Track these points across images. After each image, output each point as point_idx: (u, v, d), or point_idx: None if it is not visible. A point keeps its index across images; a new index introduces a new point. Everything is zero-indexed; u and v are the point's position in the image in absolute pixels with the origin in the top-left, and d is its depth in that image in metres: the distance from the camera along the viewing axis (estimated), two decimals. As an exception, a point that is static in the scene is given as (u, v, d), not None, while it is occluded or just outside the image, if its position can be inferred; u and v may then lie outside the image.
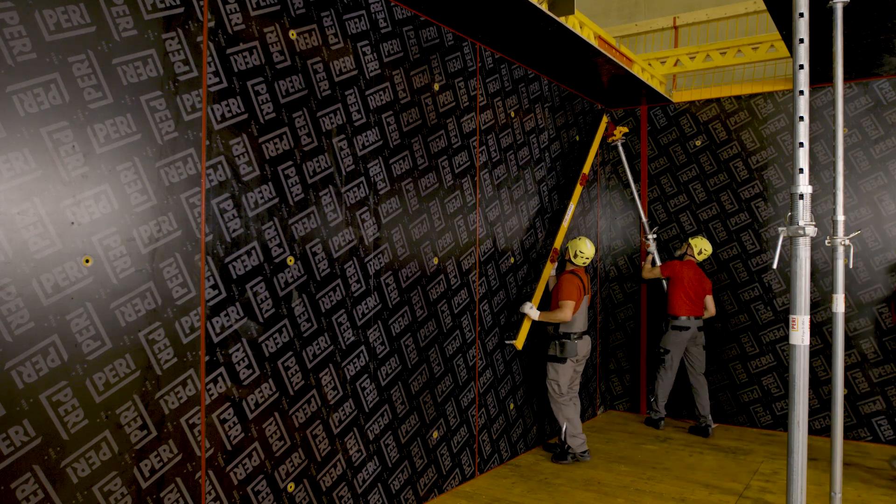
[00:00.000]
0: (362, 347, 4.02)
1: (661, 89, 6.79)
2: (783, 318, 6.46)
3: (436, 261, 4.65)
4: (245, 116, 3.31)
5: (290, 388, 3.55)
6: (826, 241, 4.02)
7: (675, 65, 6.68)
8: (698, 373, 6.37)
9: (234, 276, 3.26)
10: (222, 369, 3.19)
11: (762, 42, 6.19)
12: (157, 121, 2.91)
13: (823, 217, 6.21)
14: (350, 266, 3.93)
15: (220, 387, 3.19)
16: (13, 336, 2.45)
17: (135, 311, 2.83)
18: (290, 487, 3.55)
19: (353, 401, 3.95)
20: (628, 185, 7.14)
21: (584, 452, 5.45)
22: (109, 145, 2.74)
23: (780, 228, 2.78)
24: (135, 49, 2.83)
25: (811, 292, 6.30)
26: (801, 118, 2.76)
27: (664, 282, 6.61)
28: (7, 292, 2.44)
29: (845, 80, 6.11)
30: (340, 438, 3.87)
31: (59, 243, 2.58)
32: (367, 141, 4.06)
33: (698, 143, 6.87)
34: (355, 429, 3.97)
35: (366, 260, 4.05)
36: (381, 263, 4.17)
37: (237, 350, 3.26)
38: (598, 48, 5.34)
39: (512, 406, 5.58)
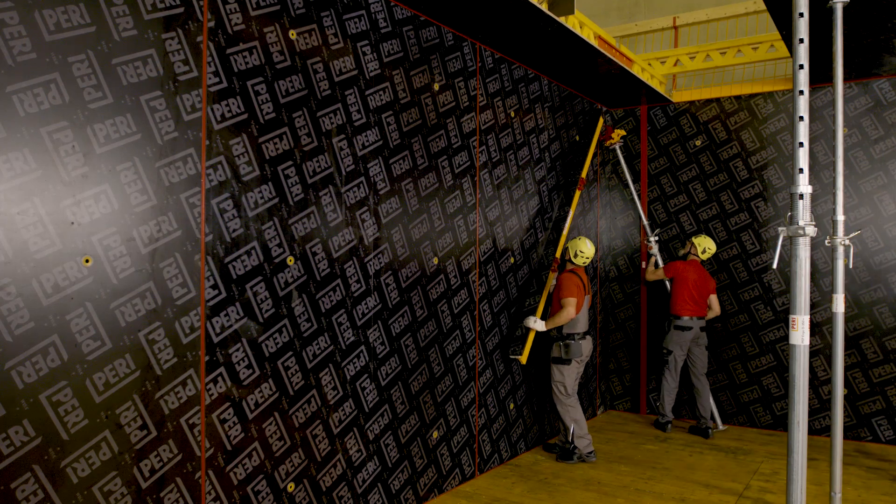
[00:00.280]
0: (362, 347, 4.02)
1: (661, 89, 6.79)
2: (783, 318, 6.46)
3: (436, 261, 4.65)
4: (245, 116, 3.31)
5: (290, 388, 3.55)
6: (826, 241, 4.02)
7: (675, 65, 6.68)
8: (700, 373, 6.37)
9: (234, 276, 3.26)
10: (222, 369, 3.19)
11: (762, 42, 6.19)
12: (157, 121, 2.91)
13: (823, 217, 6.21)
14: (350, 266, 3.93)
15: (220, 387, 3.19)
16: (13, 336, 2.45)
17: (135, 311, 2.83)
18: (290, 487, 3.55)
19: (353, 401, 3.95)
20: (628, 186, 7.14)
21: (590, 453, 5.44)
22: (109, 145, 2.75)
23: (780, 228, 2.78)
24: (135, 49, 2.83)
25: (811, 292, 6.32)
26: (801, 118, 2.76)
27: (667, 282, 6.60)
28: (7, 292, 2.44)
29: (845, 80, 6.11)
30: (340, 438, 3.87)
31: (59, 243, 2.58)
32: (367, 141, 4.06)
33: (698, 143, 6.87)
34: (355, 429, 3.97)
35: (366, 260, 4.05)
36: (380, 263, 4.17)
37: (237, 350, 3.27)
38: (598, 48, 5.34)
39: (512, 406, 5.58)
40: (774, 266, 3.07)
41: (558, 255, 5.95)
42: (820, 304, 6.27)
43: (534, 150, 5.86)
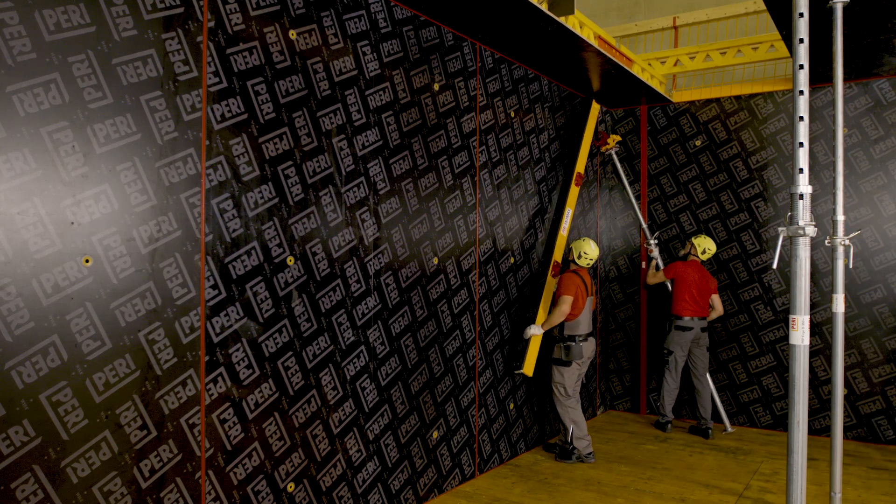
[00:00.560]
0: (362, 347, 4.02)
1: (660, 89, 6.79)
2: (783, 318, 6.46)
3: (436, 261, 4.65)
4: (245, 116, 3.31)
5: (289, 388, 3.55)
6: (826, 241, 4.02)
7: (675, 65, 6.67)
8: (700, 374, 6.36)
9: (234, 276, 3.26)
10: (222, 369, 3.19)
11: (762, 42, 6.19)
12: (157, 121, 2.91)
13: (823, 217, 6.21)
14: (350, 266, 3.93)
15: (220, 387, 3.19)
16: (13, 336, 2.45)
17: (135, 311, 2.83)
18: (290, 487, 3.55)
19: (352, 401, 3.95)
20: (627, 191, 7.12)
21: (589, 454, 5.43)
22: (109, 145, 2.75)
23: (780, 228, 2.78)
24: (135, 49, 2.83)
25: (811, 292, 6.31)
26: (801, 118, 2.76)
27: (668, 283, 6.59)
28: (7, 292, 2.44)
29: (845, 80, 6.11)
30: (340, 438, 3.87)
31: (59, 243, 2.58)
32: (367, 141, 4.06)
33: (698, 143, 6.87)
34: (355, 429, 3.97)
35: (366, 260, 4.05)
36: (380, 263, 4.17)
37: (237, 350, 3.26)
38: (599, 48, 5.34)
39: (512, 406, 5.58)
40: (774, 266, 3.07)
41: (557, 258, 5.92)
42: (820, 304, 6.27)
43: (534, 150, 5.86)
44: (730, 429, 6.47)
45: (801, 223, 2.71)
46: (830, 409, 3.95)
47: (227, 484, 3.23)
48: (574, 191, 6.24)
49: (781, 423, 6.48)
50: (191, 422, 3.05)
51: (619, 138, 6.92)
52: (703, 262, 6.50)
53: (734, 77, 6.96)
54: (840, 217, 3.97)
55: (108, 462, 2.73)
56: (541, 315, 5.63)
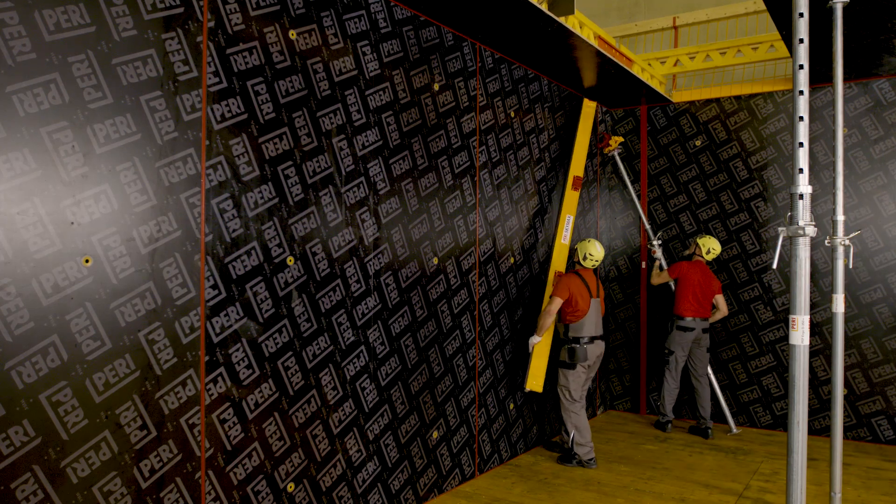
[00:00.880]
0: (362, 347, 4.02)
1: (660, 89, 6.79)
2: (783, 318, 6.46)
3: (436, 261, 4.65)
4: (245, 116, 3.31)
5: (289, 388, 3.55)
6: (826, 241, 4.02)
7: (675, 65, 6.67)
8: (700, 375, 6.36)
9: (234, 276, 3.26)
10: (222, 369, 3.19)
11: (762, 42, 6.19)
12: (157, 121, 2.91)
13: (823, 217, 6.21)
14: (350, 266, 3.93)
15: (220, 387, 3.19)
16: (13, 336, 2.45)
17: (134, 311, 2.83)
18: (290, 487, 3.55)
19: (352, 401, 3.95)
20: (628, 190, 7.12)
21: (590, 460, 5.33)
22: (109, 145, 2.75)
23: (779, 228, 2.78)
24: (135, 49, 2.83)
25: (811, 292, 6.31)
26: (801, 118, 2.76)
27: (672, 283, 6.57)
28: (7, 292, 2.44)
29: (845, 80, 6.11)
30: (340, 438, 3.87)
31: (58, 243, 2.58)
32: (367, 141, 4.06)
33: (698, 143, 6.87)
34: (355, 429, 3.97)
35: (366, 260, 4.05)
36: (380, 263, 4.17)
37: (237, 350, 3.26)
38: (599, 48, 5.34)
39: (512, 406, 5.58)
40: (774, 266, 3.07)
41: (560, 268, 5.85)
42: (820, 304, 6.26)
43: (534, 150, 5.86)
44: (735, 430, 6.42)
45: (801, 223, 2.71)
46: (830, 409, 3.95)
47: (227, 484, 3.23)
48: (572, 195, 6.13)
49: (781, 423, 6.48)
50: (191, 422, 3.05)
51: (621, 139, 6.90)
52: (707, 262, 6.49)
53: (734, 77, 6.96)
54: (840, 217, 3.97)
55: (108, 462, 2.73)
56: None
